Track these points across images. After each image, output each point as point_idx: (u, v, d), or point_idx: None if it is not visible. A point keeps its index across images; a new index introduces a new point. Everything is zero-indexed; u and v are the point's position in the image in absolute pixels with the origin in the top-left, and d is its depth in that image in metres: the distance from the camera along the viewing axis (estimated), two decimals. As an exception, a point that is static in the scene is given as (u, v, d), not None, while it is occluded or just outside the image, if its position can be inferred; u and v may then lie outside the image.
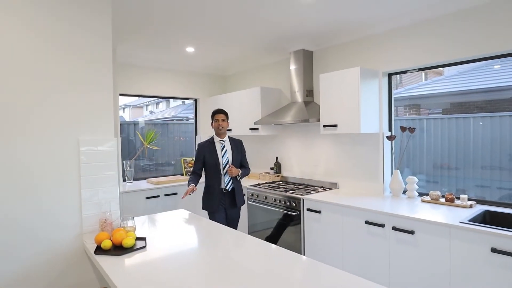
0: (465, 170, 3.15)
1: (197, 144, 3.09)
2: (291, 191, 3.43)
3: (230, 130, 4.55)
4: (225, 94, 4.71)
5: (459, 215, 2.33)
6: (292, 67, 3.83)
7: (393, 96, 3.25)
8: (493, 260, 1.96)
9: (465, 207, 2.56)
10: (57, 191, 1.90)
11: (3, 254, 1.76)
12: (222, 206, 3.00)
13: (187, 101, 5.57)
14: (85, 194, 1.98)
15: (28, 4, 1.80)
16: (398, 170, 3.07)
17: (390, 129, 3.24)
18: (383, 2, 2.58)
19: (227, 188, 2.99)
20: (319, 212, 3.03)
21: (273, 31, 3.25)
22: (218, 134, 3.04)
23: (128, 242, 1.81)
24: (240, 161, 3.14)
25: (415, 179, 2.99)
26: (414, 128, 3.07)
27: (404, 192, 3.11)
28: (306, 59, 3.77)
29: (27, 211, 1.82)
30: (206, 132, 5.16)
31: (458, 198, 2.72)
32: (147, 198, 3.94)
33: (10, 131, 1.76)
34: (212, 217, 2.99)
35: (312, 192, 3.37)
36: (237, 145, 3.13)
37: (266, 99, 4.12)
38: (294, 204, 3.27)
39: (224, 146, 3.04)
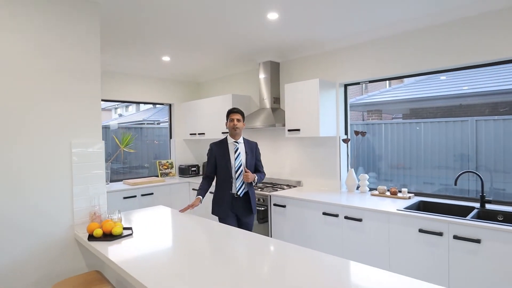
0: (417, 169, 3.64)
1: (208, 144, 2.91)
2: (260, 189, 3.79)
3: (204, 134, 4.86)
4: (199, 100, 5.01)
5: (398, 204, 2.80)
6: (261, 76, 4.21)
7: (349, 104, 3.72)
8: (420, 238, 2.43)
9: (405, 198, 3.03)
10: (51, 188, 2.15)
11: (3, 246, 1.98)
12: (233, 213, 2.81)
13: (158, 105, 5.79)
14: (77, 190, 2.24)
15: (31, 25, 2.05)
16: (353, 169, 3.52)
17: (346, 133, 3.69)
18: (339, 24, 3.02)
19: (238, 193, 2.78)
20: (284, 206, 3.41)
21: (244, 44, 3.62)
22: (233, 135, 2.84)
23: (117, 230, 2.09)
24: (255, 165, 2.95)
25: (367, 176, 3.45)
26: (365, 132, 3.54)
27: (357, 188, 3.57)
28: (273, 70, 4.17)
29: (24, 207, 2.05)
30: (181, 135, 5.43)
31: (401, 191, 3.20)
32: (124, 198, 4.16)
33: (10, 134, 1.99)
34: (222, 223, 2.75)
35: (278, 189, 3.75)
36: (252, 148, 2.93)
37: (237, 105, 4.47)
38: (262, 201, 3.63)
39: (237, 148, 2.82)
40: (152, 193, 4.44)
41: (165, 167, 5.21)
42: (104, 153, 2.34)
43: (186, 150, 5.52)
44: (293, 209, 3.34)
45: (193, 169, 5.26)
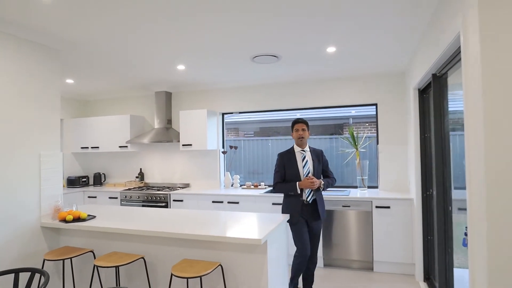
0: (267, 173, 5.44)
1: (277, 154, 3.22)
2: (158, 190, 4.89)
3: (98, 147, 5.52)
4: (95, 117, 5.62)
5: (259, 191, 4.48)
6: (156, 101, 5.32)
7: (225, 126, 5.28)
8: (273, 208, 4.16)
9: (263, 188, 4.77)
10: (26, 187, 2.82)
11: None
12: (303, 218, 2.97)
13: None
14: (43, 188, 2.95)
15: (9, 65, 2.73)
16: (228, 172, 5.07)
17: (223, 147, 5.23)
18: (224, 74, 4.54)
19: (308, 200, 2.97)
20: (181, 200, 4.65)
21: (146, 79, 4.71)
22: (299, 144, 3.04)
23: (84, 215, 2.95)
24: (323, 171, 3.14)
25: (238, 176, 5.06)
26: (236, 146, 5.17)
27: (232, 185, 5.13)
28: (167, 97, 5.36)
29: (2, 201, 2.68)
30: (70, 149, 5.83)
31: (260, 185, 4.94)
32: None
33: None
34: (294, 229, 2.99)
35: (174, 189, 4.94)
36: (318, 155, 3.09)
37: (134, 123, 5.42)
38: (163, 198, 4.75)
39: (304, 156, 3.01)
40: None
41: (55, 179, 5.54)
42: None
43: (75, 163, 5.95)
44: (189, 202, 4.62)
45: (83, 179, 5.77)
